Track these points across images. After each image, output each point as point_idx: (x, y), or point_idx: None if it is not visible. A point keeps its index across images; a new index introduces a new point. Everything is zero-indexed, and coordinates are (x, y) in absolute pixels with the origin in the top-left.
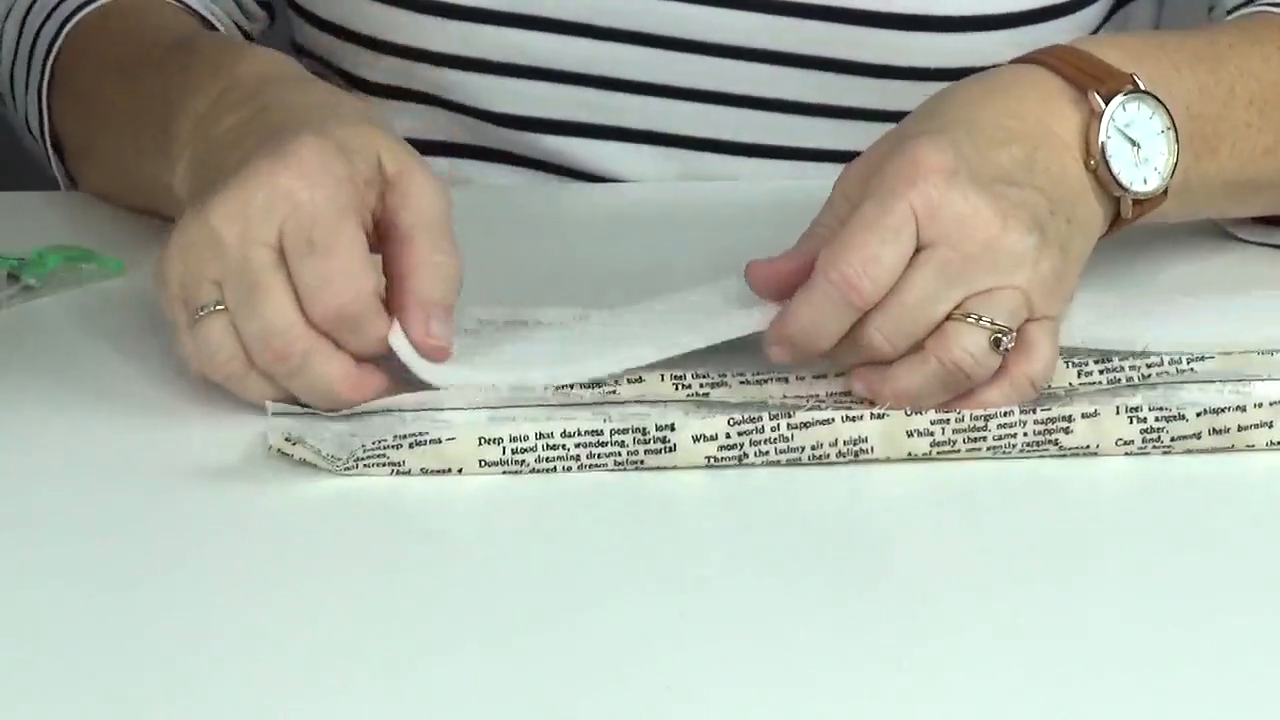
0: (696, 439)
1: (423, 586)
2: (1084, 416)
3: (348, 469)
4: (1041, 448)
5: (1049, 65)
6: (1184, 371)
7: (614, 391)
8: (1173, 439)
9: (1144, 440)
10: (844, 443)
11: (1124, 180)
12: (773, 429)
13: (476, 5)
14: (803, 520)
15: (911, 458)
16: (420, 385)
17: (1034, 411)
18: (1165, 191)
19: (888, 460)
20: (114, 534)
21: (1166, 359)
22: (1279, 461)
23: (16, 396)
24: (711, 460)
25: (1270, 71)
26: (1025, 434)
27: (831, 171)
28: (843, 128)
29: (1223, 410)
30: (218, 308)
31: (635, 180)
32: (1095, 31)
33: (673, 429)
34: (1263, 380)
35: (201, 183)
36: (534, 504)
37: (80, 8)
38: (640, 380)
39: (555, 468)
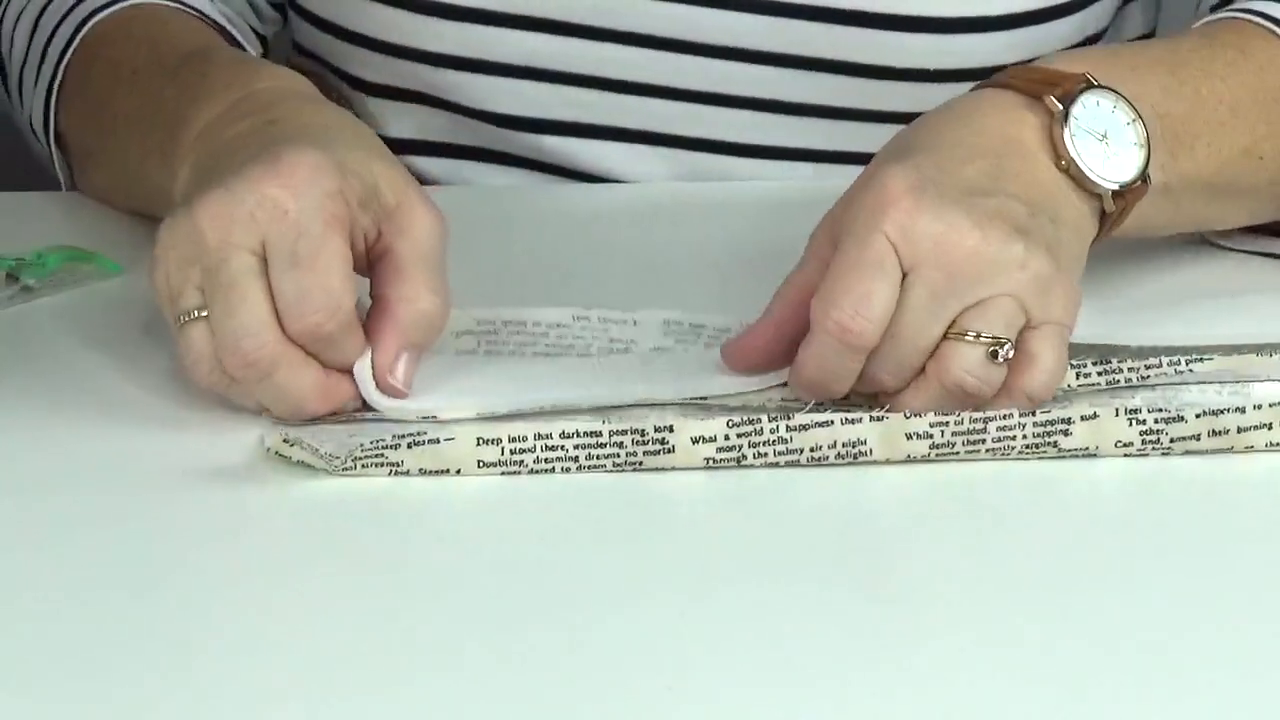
0: (695, 440)
1: (421, 587)
2: (1083, 419)
3: (346, 469)
4: (1040, 450)
5: (1002, 85)
6: (1183, 373)
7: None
8: (1172, 440)
9: (1143, 442)
10: (843, 445)
11: (1098, 175)
12: (771, 431)
13: (475, 6)
14: (802, 521)
15: (910, 460)
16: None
17: (1033, 414)
18: (1145, 181)
19: (887, 462)
20: (113, 534)
21: (1165, 360)
22: (1279, 463)
23: (16, 397)
24: (710, 462)
25: (1237, 73)
26: (1024, 436)
27: (830, 172)
28: (841, 129)
29: (1222, 412)
30: (200, 314)
31: (634, 181)
32: (1094, 36)
33: (671, 430)
34: (1262, 381)
35: (199, 185)
36: (532, 505)
37: (97, 11)
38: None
39: (554, 469)
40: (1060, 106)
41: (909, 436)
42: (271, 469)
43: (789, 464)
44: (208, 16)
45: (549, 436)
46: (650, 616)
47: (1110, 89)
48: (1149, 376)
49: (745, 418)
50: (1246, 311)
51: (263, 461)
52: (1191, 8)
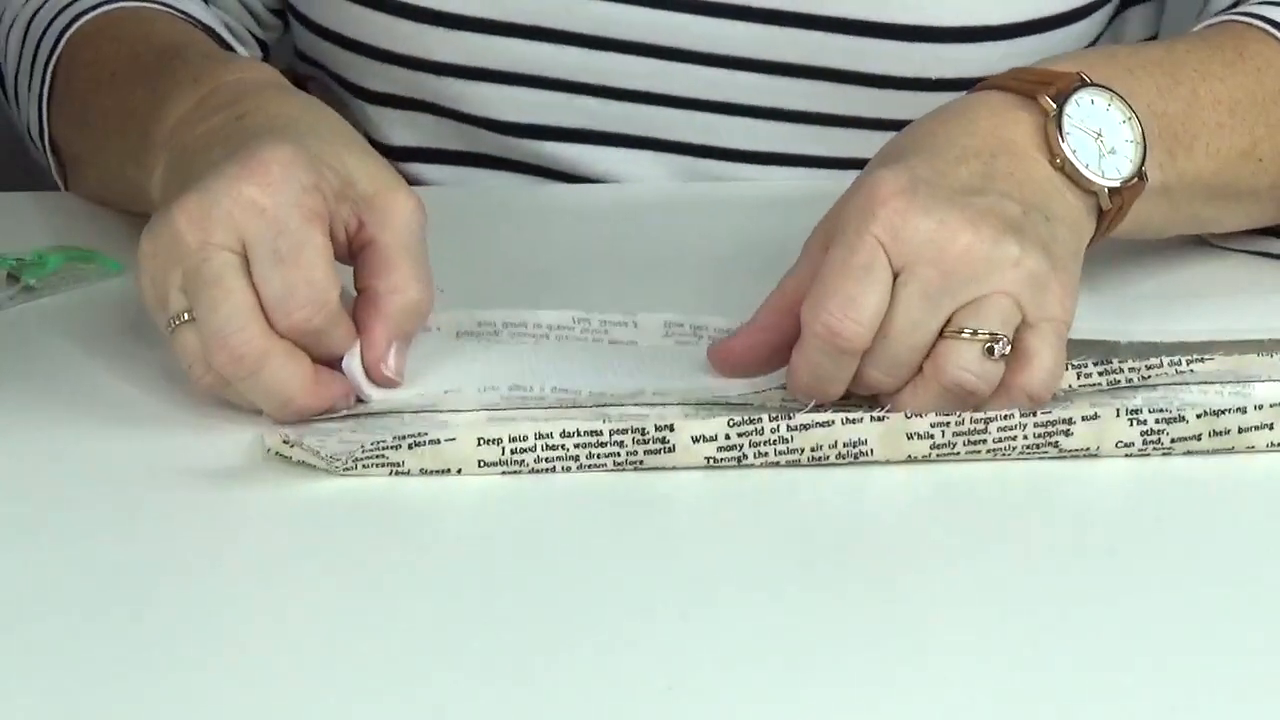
0: (696, 440)
1: (422, 587)
2: (1084, 419)
3: (347, 469)
4: (1041, 450)
5: (996, 86)
6: (1184, 373)
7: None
8: (1173, 440)
9: (1144, 442)
10: (843, 445)
11: (1093, 172)
12: (772, 430)
13: (477, 15)
14: (802, 520)
15: (911, 460)
16: (416, 384)
17: (1034, 414)
18: (1142, 178)
19: (887, 462)
20: (113, 534)
21: (1166, 360)
22: (1279, 463)
23: (16, 396)
24: (711, 461)
25: (1234, 75)
26: (1025, 436)
27: (832, 175)
28: (843, 136)
29: (1223, 412)
30: (188, 317)
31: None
32: (1093, 43)
33: (672, 429)
34: (1263, 382)
35: (173, 184)
36: (533, 504)
37: (81, 15)
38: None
39: (554, 468)
40: (1054, 105)
41: (910, 436)
42: (271, 469)
43: (789, 464)
44: (195, 19)
45: (549, 436)
46: (650, 616)
47: (1105, 87)
48: (1150, 376)
49: (746, 417)
50: (1246, 309)
51: (263, 461)
52: (1194, 14)
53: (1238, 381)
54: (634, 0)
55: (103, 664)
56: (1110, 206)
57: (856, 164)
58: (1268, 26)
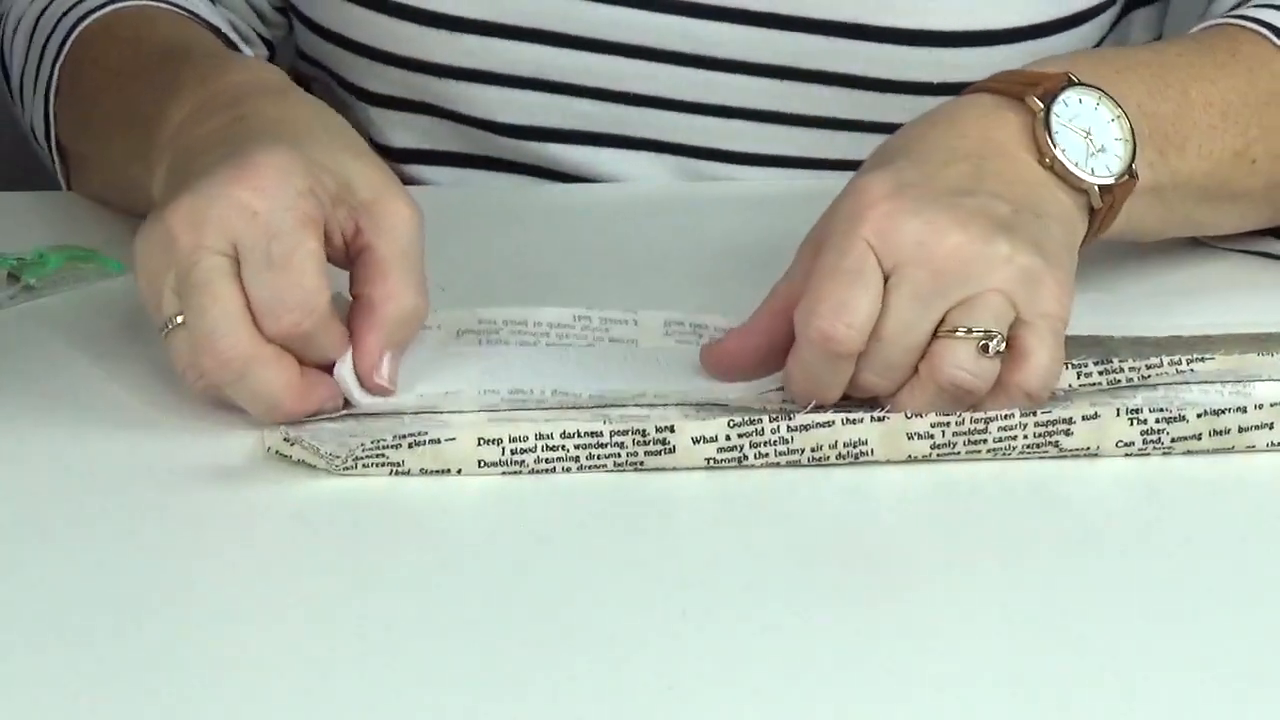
0: (696, 440)
1: (422, 587)
2: (1084, 419)
3: (347, 469)
4: (1041, 449)
5: (983, 89)
6: (1184, 373)
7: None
8: (1173, 440)
9: (1144, 442)
10: (844, 445)
11: (1082, 170)
12: (772, 431)
13: (479, 18)
14: (803, 520)
15: (911, 460)
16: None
17: (1034, 414)
18: (1132, 175)
19: (888, 462)
20: (113, 534)
21: (1166, 360)
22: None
23: (16, 396)
24: (711, 462)
25: (1226, 77)
26: (1025, 436)
27: (832, 177)
28: (843, 140)
29: (1223, 411)
30: (180, 321)
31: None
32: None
33: (672, 430)
34: (1263, 381)
35: (171, 189)
36: (533, 505)
37: (88, 15)
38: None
39: (554, 469)
40: (1041, 105)
41: (910, 436)
42: (271, 469)
43: (790, 464)
44: (201, 18)
45: (550, 436)
46: (650, 616)
47: (1093, 86)
48: (1150, 376)
49: (746, 418)
50: (1243, 306)
51: (263, 461)
52: (1198, 16)
53: (1238, 381)
54: (633, 3)
55: (102, 662)
56: (1101, 205)
57: (856, 167)
58: (1261, 29)
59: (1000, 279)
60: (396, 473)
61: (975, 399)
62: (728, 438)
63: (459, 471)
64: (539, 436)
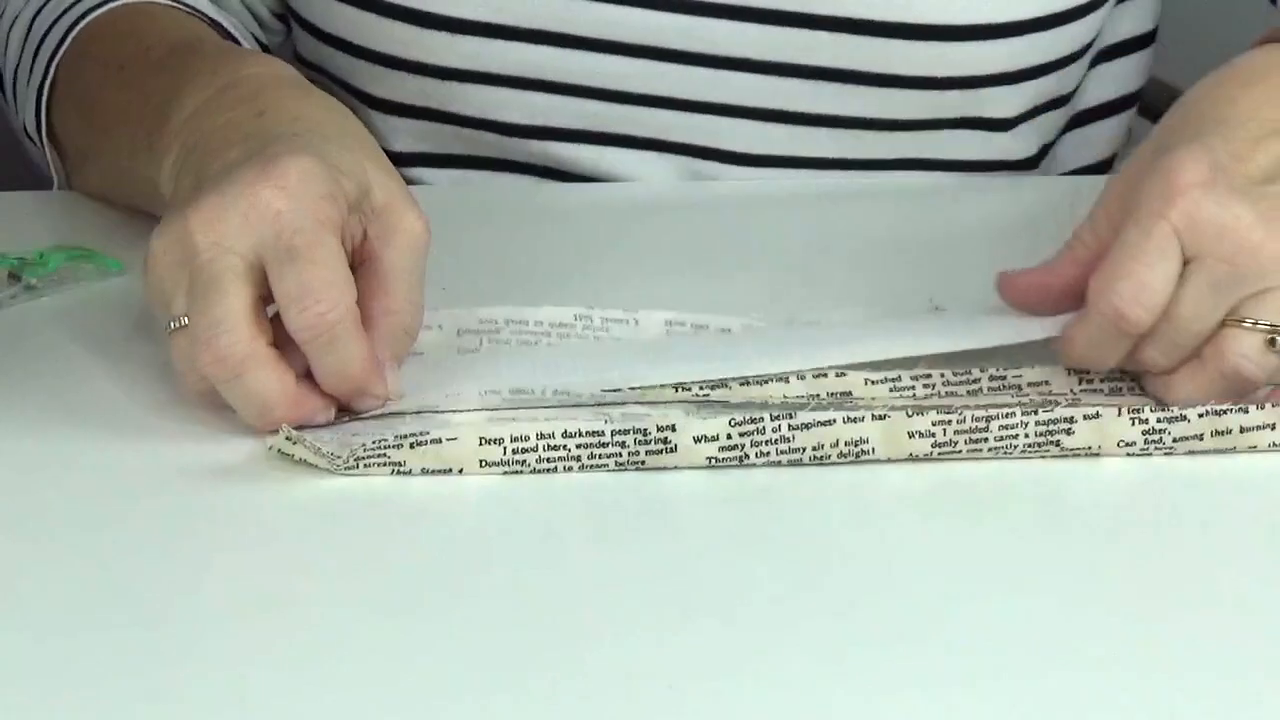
0: (697, 439)
1: (422, 587)
2: (1085, 418)
3: (348, 468)
4: (1043, 449)
5: None
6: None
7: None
8: (1175, 440)
9: (1146, 441)
10: (845, 443)
11: None
12: (774, 429)
13: (478, 19)
14: (804, 520)
15: (913, 458)
16: (416, 390)
17: (1035, 413)
18: None
19: (889, 461)
20: (113, 534)
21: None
22: None
23: (17, 396)
24: (712, 461)
25: None
26: (1027, 435)
27: (835, 176)
28: (848, 137)
29: (1225, 411)
30: (186, 322)
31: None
32: (1092, 43)
33: (674, 429)
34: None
35: (186, 180)
36: (534, 504)
37: (89, 12)
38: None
39: (556, 468)
40: None
41: (911, 435)
42: (272, 469)
43: (791, 463)
44: (204, 14)
45: (551, 436)
46: (650, 616)
47: None
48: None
49: (747, 416)
50: None
51: (263, 461)
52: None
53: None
54: (634, 3)
55: (102, 662)
56: None
57: (860, 165)
58: None
59: None
60: (398, 472)
61: (1251, 390)
62: (729, 436)
63: (460, 471)
64: (540, 436)
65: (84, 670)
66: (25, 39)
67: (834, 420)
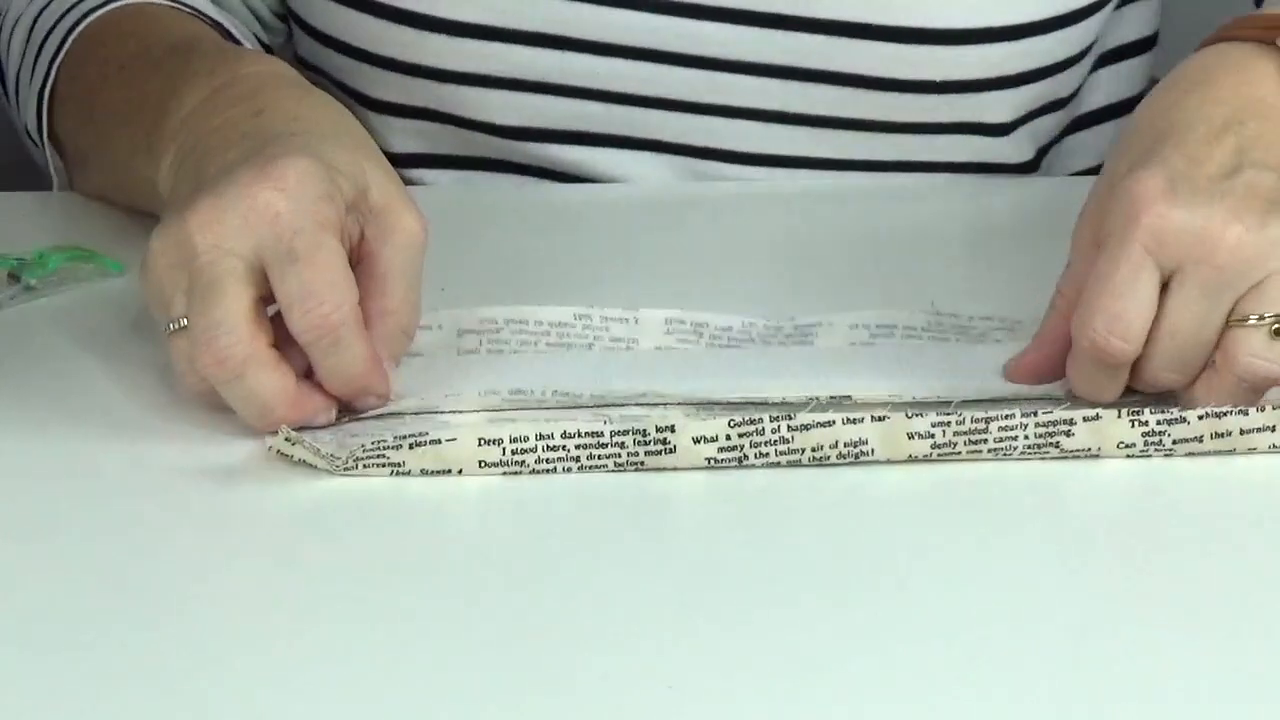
0: (697, 440)
1: (422, 587)
2: (1085, 419)
3: (347, 469)
4: (1042, 450)
5: (1231, 38)
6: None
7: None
8: (1174, 442)
9: (1145, 443)
10: (844, 444)
11: None
12: (773, 430)
13: (478, 21)
14: (803, 521)
15: (912, 460)
16: (416, 391)
17: (1035, 414)
18: None
19: (888, 462)
20: (114, 534)
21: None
22: None
23: (17, 397)
24: (712, 462)
25: None
26: (1026, 437)
27: (834, 177)
28: (847, 139)
29: (1224, 413)
30: (185, 323)
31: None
32: (1091, 45)
33: (673, 430)
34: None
35: (184, 179)
36: (534, 505)
37: (90, 13)
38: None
39: (555, 469)
40: None
41: (910, 436)
42: (271, 469)
43: (790, 464)
44: (206, 15)
45: (550, 437)
46: (650, 616)
47: None
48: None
49: (746, 418)
50: None
51: (263, 461)
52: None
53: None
54: (632, 6)
55: (102, 662)
56: None
57: (862, 166)
58: None
59: None
60: (397, 473)
61: (1276, 383)
62: (728, 437)
63: (460, 472)
64: (539, 437)
65: (84, 670)
66: (27, 40)
67: (833, 421)
